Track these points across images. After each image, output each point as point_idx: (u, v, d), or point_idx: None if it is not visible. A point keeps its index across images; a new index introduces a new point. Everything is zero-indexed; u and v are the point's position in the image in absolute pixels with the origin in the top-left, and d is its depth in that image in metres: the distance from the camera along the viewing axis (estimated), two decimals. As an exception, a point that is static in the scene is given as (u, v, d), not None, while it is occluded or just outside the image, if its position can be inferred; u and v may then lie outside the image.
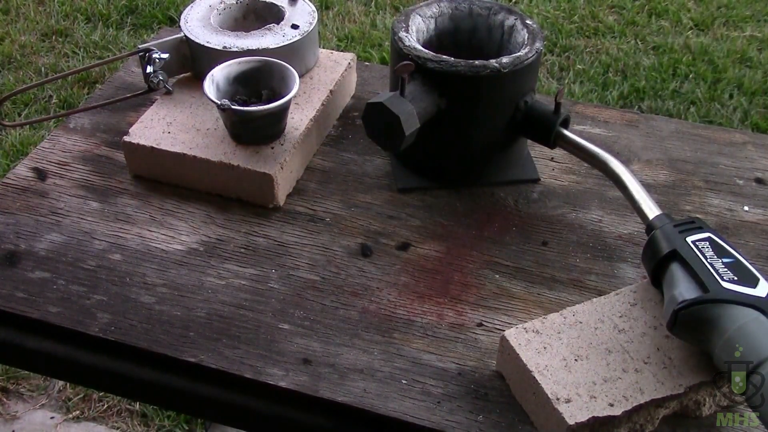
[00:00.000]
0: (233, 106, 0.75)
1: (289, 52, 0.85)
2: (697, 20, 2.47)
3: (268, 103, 0.76)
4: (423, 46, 0.77)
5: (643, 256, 0.66)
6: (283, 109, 0.77)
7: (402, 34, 0.77)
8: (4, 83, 2.16)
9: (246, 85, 0.81)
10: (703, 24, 2.46)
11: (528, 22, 0.80)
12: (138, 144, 0.79)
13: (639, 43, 2.36)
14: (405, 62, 0.71)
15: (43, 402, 1.44)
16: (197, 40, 0.85)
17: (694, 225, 0.63)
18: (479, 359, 0.65)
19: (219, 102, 0.75)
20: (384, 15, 2.48)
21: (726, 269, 0.59)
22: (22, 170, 0.82)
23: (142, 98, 0.89)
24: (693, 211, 0.79)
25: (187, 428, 1.41)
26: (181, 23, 0.87)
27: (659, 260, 0.62)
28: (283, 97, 0.76)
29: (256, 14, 0.93)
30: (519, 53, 0.75)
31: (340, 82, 0.89)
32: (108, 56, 2.22)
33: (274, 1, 0.91)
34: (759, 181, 0.84)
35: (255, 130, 0.77)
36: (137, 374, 0.66)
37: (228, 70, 0.80)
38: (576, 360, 0.59)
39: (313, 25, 0.88)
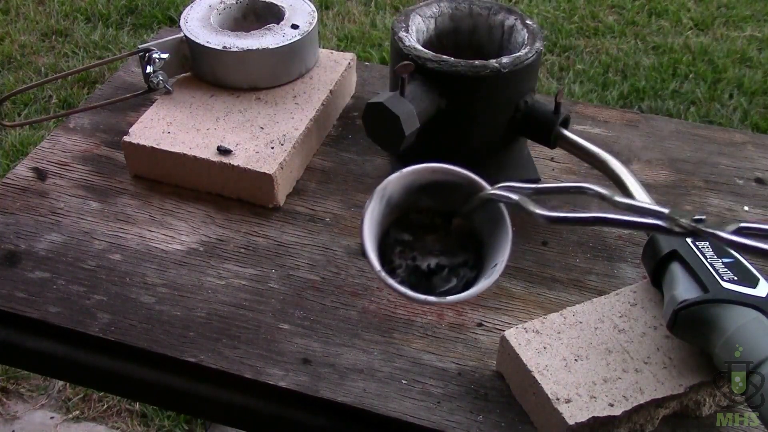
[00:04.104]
0: (398, 288, 0.54)
1: (289, 52, 0.85)
2: (697, 20, 2.47)
3: (456, 293, 0.56)
4: (423, 46, 0.77)
5: (643, 256, 0.66)
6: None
7: (402, 34, 0.77)
8: (4, 83, 2.16)
9: (434, 196, 0.59)
10: (703, 24, 2.46)
11: (528, 22, 0.80)
12: (138, 144, 0.79)
13: (639, 43, 2.36)
14: (405, 62, 0.71)
15: (43, 402, 1.44)
16: (197, 40, 0.85)
17: (694, 225, 0.63)
18: (479, 359, 0.65)
19: (379, 271, 0.55)
20: (384, 15, 2.48)
21: (726, 269, 0.58)
22: (22, 170, 0.82)
23: (142, 98, 0.89)
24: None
25: (187, 428, 1.41)
26: (181, 23, 0.87)
27: (659, 260, 0.62)
28: (485, 280, 0.55)
29: (256, 14, 0.93)
30: (519, 53, 0.75)
31: (340, 82, 0.89)
32: (108, 56, 2.22)
33: (274, 1, 0.91)
34: (759, 181, 0.84)
35: None
36: (137, 374, 0.66)
37: (413, 178, 0.57)
38: (576, 360, 0.59)
39: (313, 25, 0.88)
